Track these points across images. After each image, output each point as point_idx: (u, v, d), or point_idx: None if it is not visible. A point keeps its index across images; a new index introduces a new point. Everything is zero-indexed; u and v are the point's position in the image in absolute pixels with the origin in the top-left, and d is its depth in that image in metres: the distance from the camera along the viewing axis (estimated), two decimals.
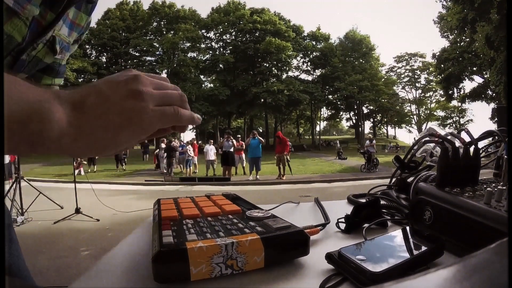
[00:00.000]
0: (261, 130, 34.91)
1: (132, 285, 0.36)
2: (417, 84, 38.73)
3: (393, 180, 0.73)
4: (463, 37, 22.82)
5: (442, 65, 26.09)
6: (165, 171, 11.23)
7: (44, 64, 0.61)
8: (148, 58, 32.32)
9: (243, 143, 10.22)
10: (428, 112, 38.73)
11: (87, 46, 30.86)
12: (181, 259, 0.33)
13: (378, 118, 40.63)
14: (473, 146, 0.54)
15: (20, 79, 0.27)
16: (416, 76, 38.29)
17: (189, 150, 11.58)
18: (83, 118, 0.29)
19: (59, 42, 0.57)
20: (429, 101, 39.15)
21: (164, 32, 32.00)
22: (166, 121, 0.34)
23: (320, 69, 34.31)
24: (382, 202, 0.65)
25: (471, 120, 35.60)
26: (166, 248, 0.34)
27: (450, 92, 26.94)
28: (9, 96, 0.25)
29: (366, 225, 0.54)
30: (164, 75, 30.87)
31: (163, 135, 0.42)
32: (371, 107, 37.24)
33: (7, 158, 5.81)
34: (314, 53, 34.13)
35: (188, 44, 31.42)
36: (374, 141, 12.57)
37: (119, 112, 0.31)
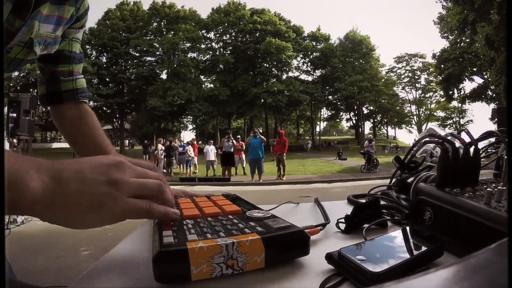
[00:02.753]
0: (261, 130, 34.90)
1: (132, 285, 0.36)
2: (417, 85, 38.75)
3: (393, 180, 0.73)
4: (463, 38, 22.83)
5: (442, 66, 26.10)
6: (164, 170, 11.23)
7: (31, 61, 0.63)
8: (148, 58, 32.33)
9: (243, 143, 9.90)
10: (428, 112, 38.73)
11: (87, 46, 30.84)
12: (182, 259, 0.33)
13: (378, 118, 40.65)
14: (473, 147, 0.54)
15: (7, 151, 0.30)
16: (416, 77, 38.30)
17: (189, 150, 11.58)
18: (57, 190, 0.31)
19: (39, 42, 0.59)
20: (429, 102, 39.18)
21: (164, 33, 32.01)
22: (136, 214, 0.35)
23: (320, 70, 34.32)
24: (382, 202, 0.65)
25: (471, 120, 35.61)
26: (167, 248, 0.34)
27: (450, 92, 26.95)
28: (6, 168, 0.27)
29: (366, 225, 0.54)
30: (164, 75, 30.89)
31: None
32: (371, 108, 37.25)
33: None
34: (314, 53, 34.15)
35: (188, 45, 31.42)
36: (373, 142, 12.57)
37: (92, 196, 0.32)
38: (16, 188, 0.29)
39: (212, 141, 11.99)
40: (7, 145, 5.23)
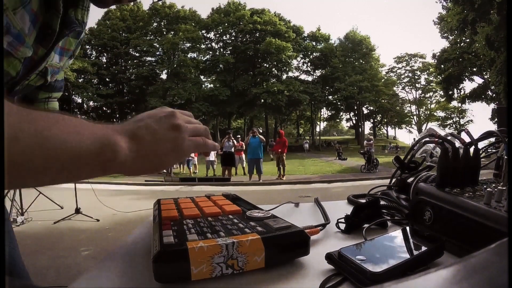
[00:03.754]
0: (261, 130, 34.89)
1: (132, 285, 0.36)
2: (417, 85, 38.74)
3: (393, 180, 0.73)
4: (463, 38, 22.83)
5: (442, 66, 26.09)
6: (164, 170, 11.21)
7: (36, 87, 0.65)
8: (148, 58, 32.34)
9: (243, 143, 9.78)
10: (428, 112, 38.73)
11: (87, 46, 30.86)
12: (182, 259, 0.33)
13: (378, 118, 40.65)
14: (473, 147, 0.54)
15: (82, 120, 0.35)
16: (416, 77, 38.29)
17: None
18: (139, 146, 0.37)
19: (51, 71, 0.62)
20: (429, 102, 39.17)
21: (164, 33, 32.02)
22: (197, 148, 0.43)
23: (320, 70, 34.32)
24: (382, 202, 0.65)
25: (471, 120, 35.62)
26: (167, 248, 0.34)
27: (450, 92, 26.94)
28: (83, 135, 0.32)
29: (366, 225, 0.54)
30: (164, 75, 30.87)
31: None
32: (371, 108, 37.25)
33: None
34: (314, 53, 34.15)
35: (188, 45, 31.42)
36: (371, 141, 12.57)
37: (165, 141, 0.39)
38: (111, 150, 0.34)
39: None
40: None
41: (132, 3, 32.43)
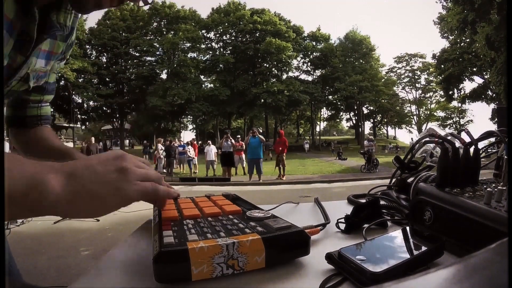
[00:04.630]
0: (261, 130, 34.89)
1: (132, 285, 0.36)
2: (417, 85, 38.73)
3: (393, 180, 0.73)
4: (463, 38, 22.83)
5: (442, 66, 26.10)
6: (164, 170, 11.21)
7: (22, 92, 0.65)
8: (148, 58, 32.31)
9: (243, 143, 9.73)
10: (428, 112, 38.72)
11: (87, 46, 30.85)
12: (182, 259, 0.33)
13: (378, 118, 40.64)
14: (473, 147, 0.54)
15: (19, 156, 0.33)
16: (416, 77, 38.28)
17: (189, 150, 11.57)
18: (76, 186, 0.34)
19: (33, 76, 0.61)
20: (429, 102, 39.16)
21: (164, 33, 32.00)
22: (146, 194, 0.40)
23: (320, 70, 34.30)
24: (382, 202, 0.65)
25: (471, 120, 35.63)
26: (167, 248, 0.34)
27: (450, 92, 26.95)
28: (11, 173, 0.30)
29: (366, 225, 0.54)
30: (164, 75, 30.87)
31: None
32: (371, 108, 37.24)
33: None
34: (314, 53, 34.13)
35: (188, 45, 31.39)
36: (371, 142, 12.58)
37: (107, 183, 0.36)
38: (38, 190, 0.31)
39: (209, 142, 11.98)
40: (7, 146, 5.23)
41: (132, 3, 32.19)
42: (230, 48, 32.34)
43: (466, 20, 18.52)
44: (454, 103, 31.35)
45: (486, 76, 23.58)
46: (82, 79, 29.02)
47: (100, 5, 0.50)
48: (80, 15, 0.67)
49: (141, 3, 0.60)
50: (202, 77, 32.54)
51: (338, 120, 42.68)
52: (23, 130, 0.77)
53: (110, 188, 0.36)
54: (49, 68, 0.66)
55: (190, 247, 0.34)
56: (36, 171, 0.32)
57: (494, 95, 23.02)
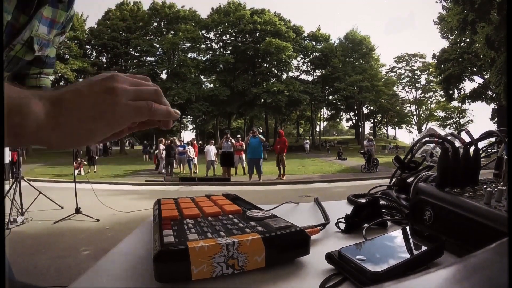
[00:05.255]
0: (261, 130, 34.87)
1: (132, 285, 0.36)
2: (417, 85, 38.73)
3: (393, 180, 0.73)
4: (463, 38, 22.81)
5: (442, 66, 26.07)
6: (163, 170, 11.21)
7: (25, 61, 0.64)
8: (148, 58, 32.28)
9: (243, 143, 9.71)
10: (428, 112, 38.73)
11: (87, 46, 30.84)
12: (183, 258, 0.33)
13: (378, 118, 40.65)
14: (473, 147, 0.54)
15: (7, 83, 0.30)
16: (416, 77, 38.28)
17: (190, 150, 11.58)
18: (59, 111, 0.32)
19: (37, 41, 0.61)
20: (429, 102, 39.17)
21: (164, 33, 31.98)
22: (139, 114, 0.35)
23: (320, 70, 34.30)
24: (382, 202, 0.65)
25: (471, 120, 35.65)
26: (168, 247, 0.34)
27: (450, 92, 26.93)
28: None
29: (366, 225, 0.54)
30: (164, 75, 30.85)
31: (146, 128, 0.45)
32: (371, 108, 37.25)
33: (7, 158, 5.81)
34: (314, 53, 34.12)
35: (188, 45, 31.38)
36: (371, 142, 12.58)
37: (93, 105, 0.33)
38: (19, 112, 0.29)
39: (213, 141, 11.98)
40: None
41: (132, 3, 32.50)
42: (230, 48, 32.33)
43: (466, 20, 18.51)
44: (454, 103, 31.35)
45: (486, 76, 23.57)
46: (82, 79, 28.99)
47: None
48: None
49: None
50: (202, 77, 32.53)
51: (338, 120, 42.68)
52: None
53: (96, 111, 0.33)
54: (51, 38, 0.66)
55: (190, 247, 0.34)
56: (21, 95, 0.30)
57: (494, 95, 23.01)
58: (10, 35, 0.54)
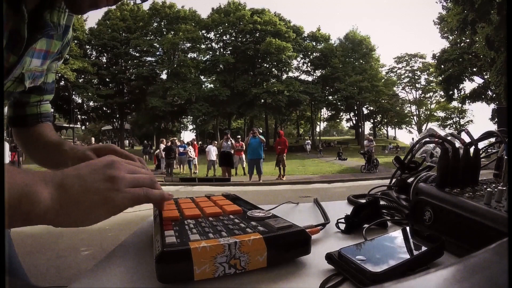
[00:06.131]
0: (261, 130, 34.88)
1: (133, 285, 0.36)
2: (417, 85, 38.69)
3: (393, 180, 0.73)
4: (463, 38, 22.82)
5: (442, 66, 26.07)
6: (164, 170, 11.21)
7: (18, 93, 0.64)
8: (148, 58, 32.27)
9: (243, 143, 9.70)
10: (428, 112, 38.70)
11: (87, 47, 30.84)
12: (185, 259, 0.33)
13: (378, 118, 40.62)
14: (473, 147, 0.54)
15: (11, 166, 0.33)
16: (416, 77, 38.25)
17: (190, 151, 11.57)
18: (64, 196, 0.35)
19: (29, 76, 0.60)
20: (429, 102, 39.14)
21: (165, 33, 31.98)
22: (137, 201, 0.39)
23: (320, 70, 34.28)
24: (382, 202, 0.65)
25: (471, 120, 35.61)
26: (170, 248, 0.34)
27: (450, 93, 26.91)
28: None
29: (366, 225, 0.54)
30: (164, 75, 30.85)
31: None
32: (371, 108, 37.23)
33: (7, 159, 5.82)
34: (314, 53, 34.12)
35: (188, 45, 31.38)
36: (371, 142, 12.58)
37: (95, 193, 0.36)
38: (29, 201, 0.32)
39: (216, 142, 11.97)
40: (7, 146, 5.23)
41: (132, 3, 32.49)
42: (230, 48, 32.33)
43: (466, 20, 18.51)
44: (454, 103, 31.30)
45: (486, 76, 23.57)
46: (82, 79, 28.99)
47: (96, 4, 0.49)
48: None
49: (137, 0, 0.59)
50: (202, 77, 32.51)
51: (338, 120, 42.65)
52: (24, 129, 0.78)
53: (98, 198, 0.36)
54: (45, 68, 0.66)
55: (193, 247, 0.34)
56: (27, 182, 0.33)
57: (494, 95, 23.00)
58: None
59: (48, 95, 0.78)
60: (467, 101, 27.30)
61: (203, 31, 32.58)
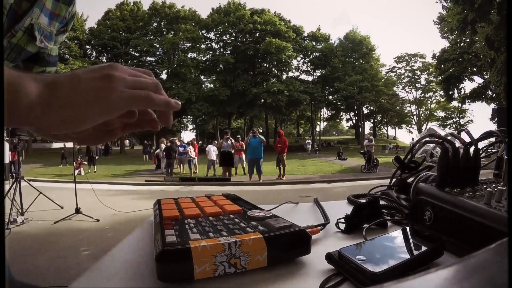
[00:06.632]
0: (261, 130, 34.86)
1: (134, 285, 0.36)
2: (417, 85, 38.73)
3: (393, 180, 0.73)
4: (463, 38, 22.81)
5: (442, 66, 26.07)
6: (164, 170, 11.22)
7: (29, 53, 0.64)
8: (148, 58, 32.30)
9: (243, 143, 9.67)
10: (428, 112, 38.72)
11: (87, 46, 30.87)
12: (185, 258, 0.33)
13: (378, 118, 40.64)
14: (473, 147, 0.54)
15: (7, 68, 0.30)
16: (416, 77, 38.27)
17: (190, 150, 11.58)
18: (53, 93, 0.31)
19: (38, 29, 0.61)
20: (429, 102, 39.16)
21: (164, 33, 31.98)
22: (136, 102, 0.34)
23: (320, 70, 34.30)
24: (382, 202, 0.65)
25: (471, 120, 35.63)
26: (170, 247, 0.34)
27: (450, 92, 26.91)
28: None
29: (366, 225, 0.54)
30: (164, 75, 30.87)
31: (141, 130, 0.44)
32: (371, 108, 37.25)
33: (7, 158, 5.81)
34: (314, 53, 34.13)
35: (188, 45, 31.39)
36: (370, 142, 12.57)
37: (87, 90, 0.32)
38: (13, 90, 0.29)
39: (216, 142, 11.97)
40: (7, 146, 5.23)
41: (132, 3, 32.51)
42: (230, 48, 32.33)
43: (466, 20, 18.50)
44: (454, 103, 31.33)
45: (486, 76, 23.56)
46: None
47: None
48: None
49: None
50: (202, 77, 32.54)
51: (338, 120, 42.67)
52: None
53: (91, 96, 0.32)
54: (53, 30, 0.66)
55: (193, 246, 0.34)
56: (20, 75, 0.31)
57: (494, 95, 22.99)
58: (12, 21, 0.55)
59: (51, 67, 0.78)
60: (467, 101, 27.30)
61: (203, 31, 32.58)
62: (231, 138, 9.63)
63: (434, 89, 36.86)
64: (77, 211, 4.37)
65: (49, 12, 0.63)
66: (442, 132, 0.65)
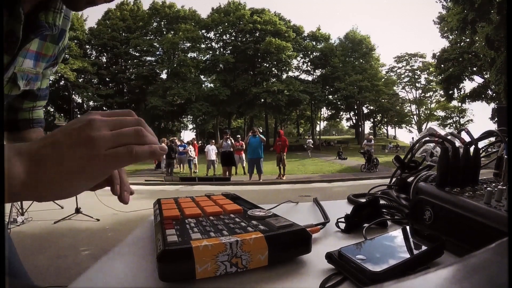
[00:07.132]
0: (261, 130, 34.87)
1: (135, 285, 0.36)
2: (417, 84, 38.69)
3: (393, 180, 0.73)
4: (463, 38, 22.80)
5: (442, 65, 26.06)
6: (164, 169, 11.21)
7: (12, 96, 0.63)
8: (148, 58, 32.30)
9: (243, 143, 9.68)
10: (428, 112, 38.70)
11: (87, 46, 30.85)
12: (187, 257, 0.33)
13: (378, 118, 40.62)
14: (473, 146, 0.54)
15: None
16: (416, 76, 38.24)
17: (190, 150, 11.58)
18: (40, 169, 0.31)
19: (21, 76, 0.60)
20: (429, 101, 39.14)
21: (164, 32, 31.97)
22: (120, 162, 0.34)
23: (320, 69, 34.27)
24: (382, 202, 0.65)
25: (471, 120, 35.59)
26: (171, 247, 0.34)
27: (450, 92, 26.90)
28: None
29: (366, 225, 0.54)
30: (164, 75, 30.86)
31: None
32: (371, 107, 37.22)
33: None
34: (314, 53, 34.10)
35: (188, 44, 31.38)
36: (370, 142, 12.57)
37: (72, 160, 0.32)
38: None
39: (213, 141, 11.97)
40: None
41: (132, 3, 32.50)
42: (230, 48, 32.31)
43: (466, 20, 18.49)
44: (454, 103, 31.32)
45: (486, 76, 23.56)
46: (82, 79, 29.01)
47: (93, 1, 0.48)
48: (70, 18, 0.66)
49: None
50: (202, 77, 32.53)
51: (338, 119, 42.66)
52: (15, 133, 0.78)
53: (75, 166, 0.32)
54: (39, 70, 0.65)
55: (194, 246, 0.34)
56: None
57: (494, 94, 22.98)
58: None
59: (41, 101, 0.78)
60: (467, 101, 27.29)
61: (203, 31, 32.57)
62: (230, 138, 9.64)
63: (434, 89, 36.84)
64: (77, 210, 4.37)
65: (34, 53, 0.60)
66: (442, 132, 0.65)
